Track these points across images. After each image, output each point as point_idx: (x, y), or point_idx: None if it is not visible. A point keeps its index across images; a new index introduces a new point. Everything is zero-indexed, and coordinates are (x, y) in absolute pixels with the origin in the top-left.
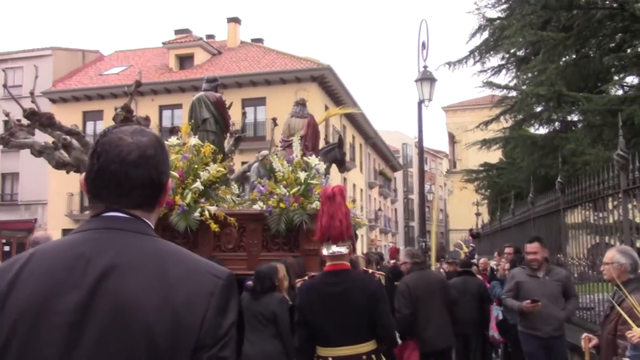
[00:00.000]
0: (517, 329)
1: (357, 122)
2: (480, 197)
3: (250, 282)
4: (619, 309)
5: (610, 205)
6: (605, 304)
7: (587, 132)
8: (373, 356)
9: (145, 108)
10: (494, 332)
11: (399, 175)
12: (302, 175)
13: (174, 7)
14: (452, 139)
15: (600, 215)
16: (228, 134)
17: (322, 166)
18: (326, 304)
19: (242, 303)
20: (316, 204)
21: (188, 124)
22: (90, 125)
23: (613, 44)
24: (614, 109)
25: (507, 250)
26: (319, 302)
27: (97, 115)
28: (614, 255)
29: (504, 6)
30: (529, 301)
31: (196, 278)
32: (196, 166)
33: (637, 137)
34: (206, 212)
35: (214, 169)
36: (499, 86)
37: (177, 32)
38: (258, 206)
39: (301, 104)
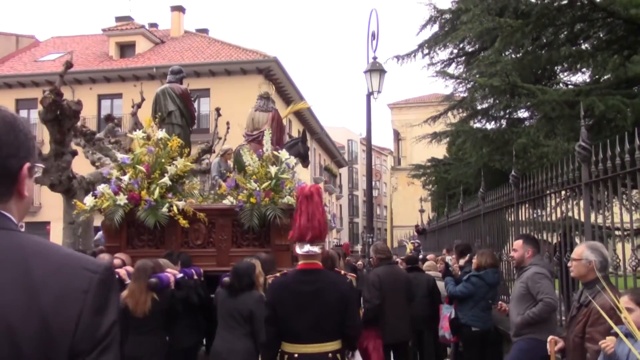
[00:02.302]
0: (471, 329)
1: (303, 117)
2: (426, 192)
3: (227, 279)
4: (598, 307)
5: (559, 202)
6: (571, 304)
7: (543, 124)
8: (338, 355)
9: (83, 97)
10: (444, 331)
11: (344, 171)
12: (272, 169)
13: None
14: (397, 136)
15: (560, 210)
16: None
17: (292, 160)
18: (298, 302)
19: (217, 299)
20: (287, 199)
21: (152, 117)
22: (23, 113)
23: (570, 34)
24: (571, 101)
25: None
26: (290, 300)
27: (32, 103)
28: (583, 252)
29: None
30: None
31: (66, 274)
32: (163, 160)
33: (594, 129)
34: (174, 208)
35: (181, 163)
36: (452, 76)
37: (118, 19)
38: (227, 201)
39: (265, 97)
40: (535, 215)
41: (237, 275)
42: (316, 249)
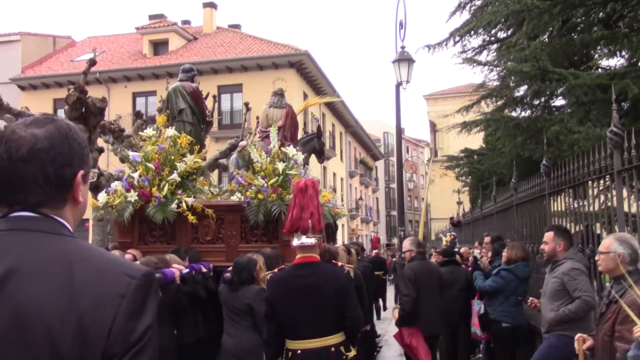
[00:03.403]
0: (501, 325)
1: (337, 110)
2: (461, 184)
3: (227, 274)
4: (622, 304)
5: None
6: (602, 300)
7: (575, 110)
8: (341, 348)
9: (118, 95)
10: (475, 328)
11: (380, 164)
12: (280, 166)
13: None
14: (434, 128)
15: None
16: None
17: (300, 157)
18: (295, 297)
19: (220, 295)
20: None
21: (164, 115)
22: (60, 113)
23: (603, 14)
24: (604, 84)
25: (486, 239)
26: (288, 295)
27: None
28: (611, 244)
29: None
30: (532, 299)
31: (106, 279)
32: (173, 157)
33: (630, 114)
34: (183, 204)
35: (191, 160)
36: (479, 63)
37: (151, 17)
38: (236, 197)
39: (279, 94)
40: (566, 205)
41: (236, 270)
42: (311, 241)
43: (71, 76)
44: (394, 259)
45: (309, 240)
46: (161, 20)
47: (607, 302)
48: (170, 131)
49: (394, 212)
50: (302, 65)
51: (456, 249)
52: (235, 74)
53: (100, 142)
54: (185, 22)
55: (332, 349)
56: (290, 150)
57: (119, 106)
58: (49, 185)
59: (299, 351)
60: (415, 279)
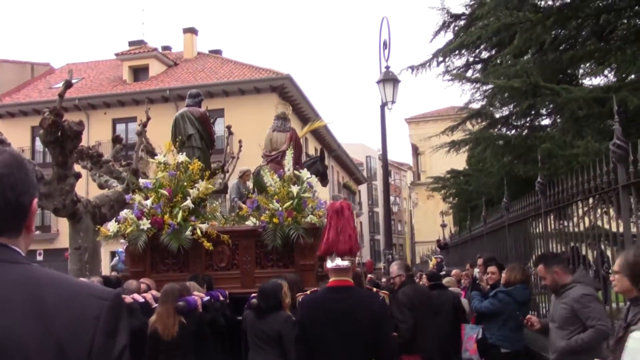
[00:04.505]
0: (500, 350)
1: (320, 134)
2: (447, 206)
3: (254, 300)
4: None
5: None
6: (617, 323)
7: (570, 126)
8: None
9: (98, 122)
10: (471, 354)
11: (363, 188)
12: (294, 189)
13: (128, 18)
14: (416, 151)
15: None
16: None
17: (313, 180)
18: (329, 320)
19: (246, 322)
20: (310, 218)
21: (172, 141)
22: (39, 141)
23: (595, 26)
24: (601, 97)
25: (479, 261)
26: (321, 318)
27: None
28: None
29: None
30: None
31: (78, 302)
32: (185, 184)
33: (630, 126)
34: (198, 230)
35: (203, 186)
36: (468, 79)
37: (131, 43)
38: (250, 222)
39: (282, 117)
40: (563, 225)
41: (263, 296)
42: (346, 263)
43: (49, 103)
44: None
45: (344, 263)
46: (141, 46)
47: (625, 325)
48: (182, 157)
49: (378, 236)
50: (284, 89)
51: (444, 272)
52: (216, 99)
53: (77, 167)
54: (166, 47)
55: None
56: (304, 173)
57: (98, 133)
58: (8, 212)
59: None
60: (410, 304)
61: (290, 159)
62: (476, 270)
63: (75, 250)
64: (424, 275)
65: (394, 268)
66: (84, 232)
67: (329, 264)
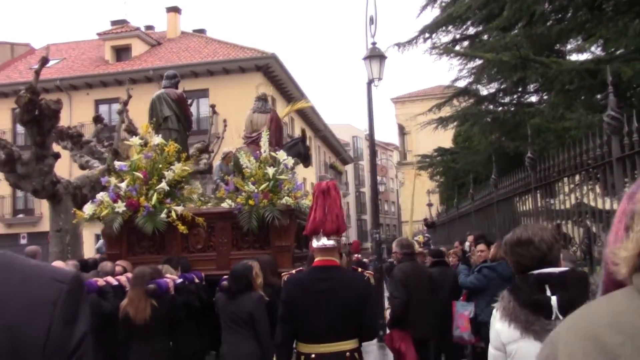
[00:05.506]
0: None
1: (306, 114)
2: (434, 184)
3: (225, 282)
4: None
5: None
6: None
7: (560, 99)
8: (356, 354)
9: (80, 102)
10: (461, 331)
11: (350, 168)
12: (270, 171)
13: None
14: (402, 131)
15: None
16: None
17: (290, 161)
18: (315, 300)
19: (217, 304)
20: (286, 200)
21: (148, 123)
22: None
23: None
24: (593, 69)
25: (469, 238)
26: (307, 297)
27: None
28: None
29: None
30: None
31: (33, 286)
32: (160, 166)
33: (623, 98)
34: (173, 213)
35: (179, 168)
36: (458, 53)
37: (113, 22)
38: (226, 204)
39: (263, 99)
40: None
41: (233, 278)
42: (332, 242)
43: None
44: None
45: (330, 242)
46: (123, 25)
47: None
48: (157, 139)
49: (365, 216)
50: (269, 69)
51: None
52: (201, 79)
53: (58, 148)
54: (149, 27)
55: (348, 354)
56: (281, 154)
57: (81, 114)
58: None
59: (313, 355)
60: (406, 280)
61: (266, 141)
62: (467, 244)
63: (56, 232)
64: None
65: (393, 245)
66: (64, 214)
67: (315, 244)
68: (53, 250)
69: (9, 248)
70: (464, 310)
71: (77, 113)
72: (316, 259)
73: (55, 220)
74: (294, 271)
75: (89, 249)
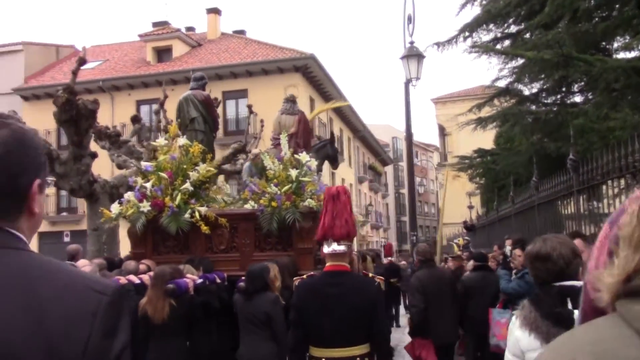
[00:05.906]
0: None
1: (345, 115)
2: (474, 186)
3: (242, 283)
4: None
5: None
6: None
7: (605, 98)
8: (366, 359)
9: (122, 103)
10: (498, 339)
11: (389, 169)
12: (293, 172)
13: None
14: (443, 131)
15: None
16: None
17: (313, 163)
18: (324, 304)
19: (235, 305)
20: (309, 202)
21: (176, 124)
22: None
23: None
24: (639, 67)
25: (507, 242)
26: (317, 302)
27: None
28: None
29: None
30: None
31: (74, 296)
32: (185, 166)
33: None
34: (196, 213)
35: (203, 169)
36: (497, 51)
37: (154, 24)
38: (250, 205)
39: (291, 100)
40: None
41: (249, 278)
42: (342, 248)
43: (76, 85)
44: (402, 264)
45: (340, 247)
46: (164, 27)
47: None
48: (182, 140)
49: (404, 218)
50: (307, 69)
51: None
52: (240, 80)
53: (96, 147)
54: (190, 28)
55: (358, 359)
56: (304, 156)
57: (122, 114)
58: (3, 196)
59: (324, 359)
60: (422, 288)
61: (286, 143)
62: (508, 248)
63: (93, 231)
64: (449, 259)
65: (415, 250)
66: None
67: (325, 249)
68: (90, 249)
69: (52, 245)
70: (500, 318)
71: (119, 113)
72: (327, 264)
73: (93, 219)
74: (305, 276)
75: (125, 247)
